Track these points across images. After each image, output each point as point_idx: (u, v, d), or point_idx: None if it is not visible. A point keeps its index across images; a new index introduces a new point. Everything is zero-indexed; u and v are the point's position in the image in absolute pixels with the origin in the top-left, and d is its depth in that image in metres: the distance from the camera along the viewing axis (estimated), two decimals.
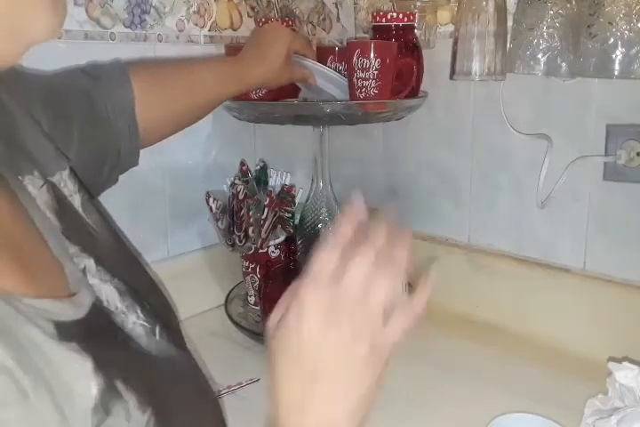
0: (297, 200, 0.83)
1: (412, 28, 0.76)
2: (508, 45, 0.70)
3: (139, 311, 0.38)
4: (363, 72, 0.68)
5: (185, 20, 0.79)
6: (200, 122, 0.85)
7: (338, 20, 0.98)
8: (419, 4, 0.80)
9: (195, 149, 0.85)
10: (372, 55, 0.68)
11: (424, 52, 0.77)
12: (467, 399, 0.65)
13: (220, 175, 0.84)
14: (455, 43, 0.73)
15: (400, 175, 0.94)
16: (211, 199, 0.77)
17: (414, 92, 0.76)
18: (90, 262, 0.38)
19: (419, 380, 0.69)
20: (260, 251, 0.81)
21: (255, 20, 0.85)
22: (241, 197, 0.77)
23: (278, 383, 0.38)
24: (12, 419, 0.25)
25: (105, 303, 0.37)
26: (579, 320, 0.74)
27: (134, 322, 0.38)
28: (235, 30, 0.86)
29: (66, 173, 0.43)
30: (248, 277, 0.85)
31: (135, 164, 0.61)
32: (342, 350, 0.35)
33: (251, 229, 0.78)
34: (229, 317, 0.81)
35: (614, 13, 0.60)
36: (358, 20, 0.95)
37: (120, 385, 0.31)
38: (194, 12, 0.80)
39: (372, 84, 0.69)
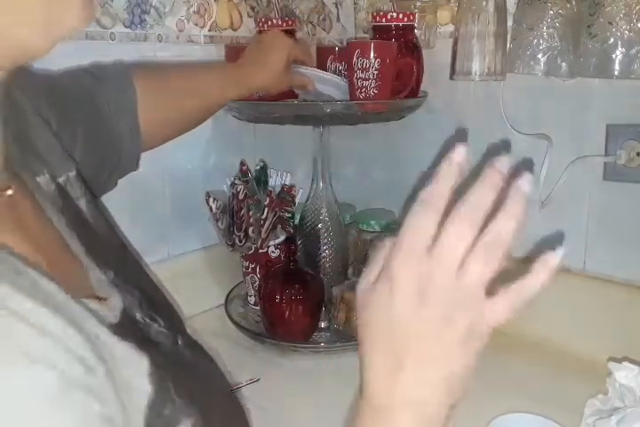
0: (297, 200, 0.83)
1: (412, 28, 0.76)
2: (508, 45, 0.70)
3: (158, 319, 0.38)
4: (363, 72, 0.68)
5: (185, 20, 0.79)
6: None
7: (338, 19, 0.98)
8: (419, 3, 0.80)
9: (195, 150, 0.85)
10: (371, 55, 0.68)
11: (424, 52, 0.77)
12: (466, 399, 0.64)
13: (220, 175, 0.84)
14: (455, 43, 0.73)
15: (400, 175, 0.94)
16: (211, 199, 0.77)
17: (414, 92, 0.76)
18: (106, 268, 0.37)
19: None
20: (260, 251, 0.81)
21: (255, 20, 0.85)
22: (241, 197, 0.77)
23: (368, 356, 0.34)
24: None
25: (128, 311, 0.36)
26: (579, 320, 0.74)
27: (157, 330, 0.37)
28: (235, 30, 0.86)
29: (73, 174, 0.43)
30: (248, 277, 0.85)
31: (135, 168, 0.61)
32: (435, 329, 0.32)
33: (251, 229, 0.78)
34: (229, 317, 0.81)
35: (614, 13, 0.60)
36: (358, 20, 0.95)
37: (171, 387, 0.31)
38: (194, 12, 0.80)
39: (372, 84, 0.69)
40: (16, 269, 0.26)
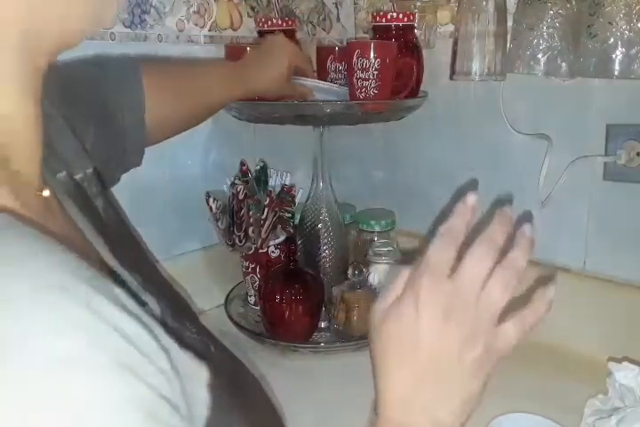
0: (297, 200, 0.83)
1: (412, 28, 0.76)
2: (508, 45, 0.70)
3: (188, 325, 0.35)
4: (363, 72, 0.68)
5: (185, 20, 0.79)
6: None
7: (338, 20, 0.98)
8: (419, 3, 0.80)
9: (195, 149, 0.85)
10: (371, 55, 0.68)
11: (424, 52, 0.77)
12: None
13: (220, 175, 0.84)
14: (455, 43, 0.73)
15: (400, 175, 0.94)
16: (211, 199, 0.77)
17: (414, 93, 0.76)
18: (131, 272, 0.35)
19: None
20: (260, 251, 0.81)
21: (255, 20, 0.85)
22: (241, 197, 0.77)
23: (388, 369, 0.36)
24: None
25: (164, 315, 0.34)
26: (579, 320, 0.74)
27: (190, 337, 0.34)
28: (235, 30, 0.86)
29: (90, 172, 0.42)
30: (248, 277, 0.85)
31: (138, 163, 0.61)
32: (457, 348, 0.35)
33: (251, 229, 0.78)
34: (229, 317, 0.81)
35: (614, 13, 0.60)
36: (358, 20, 0.95)
37: (224, 396, 0.30)
38: (194, 11, 0.80)
39: (372, 85, 0.69)
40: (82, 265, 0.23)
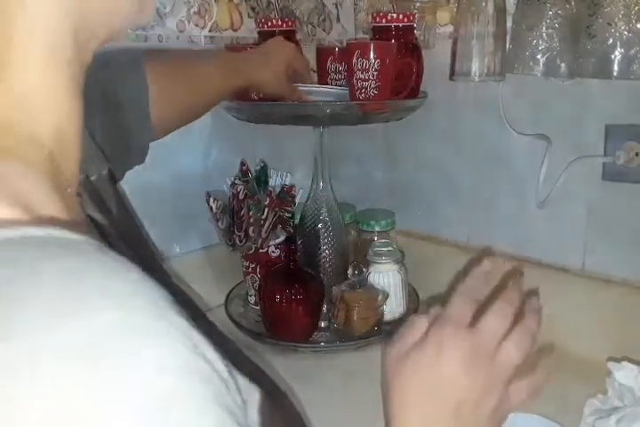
0: (297, 200, 0.83)
1: (412, 28, 0.76)
2: (508, 46, 0.70)
3: (213, 335, 0.33)
4: (362, 73, 0.69)
5: (185, 21, 0.80)
6: (200, 122, 0.85)
7: (338, 20, 0.98)
8: (418, 4, 0.80)
9: (195, 149, 0.86)
10: (371, 56, 0.68)
11: (424, 53, 0.77)
12: None
13: (220, 175, 0.84)
14: (454, 43, 0.73)
15: (400, 175, 0.94)
16: (211, 199, 0.78)
17: (414, 93, 0.76)
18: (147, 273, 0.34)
19: None
20: (260, 251, 0.81)
21: (255, 21, 0.85)
22: (241, 197, 0.78)
23: (407, 408, 0.37)
24: None
25: None
26: (578, 320, 0.74)
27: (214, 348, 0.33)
28: (235, 31, 0.86)
29: (105, 173, 0.41)
30: (248, 277, 0.85)
31: (142, 161, 0.61)
32: (477, 395, 0.36)
33: (251, 229, 0.78)
34: (229, 317, 0.81)
35: (613, 14, 0.61)
36: (358, 21, 0.95)
37: (270, 418, 0.28)
38: (194, 12, 0.80)
39: (372, 85, 0.69)
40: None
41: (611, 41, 0.61)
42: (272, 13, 0.91)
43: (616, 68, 0.62)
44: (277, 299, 0.76)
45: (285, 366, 0.74)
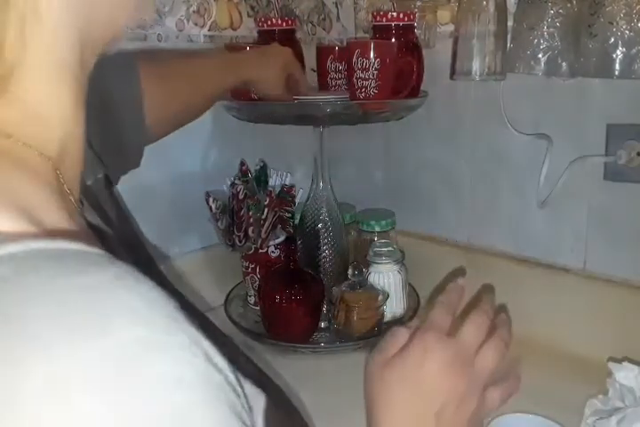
0: (297, 200, 0.83)
1: (412, 27, 0.76)
2: (509, 45, 0.70)
3: (213, 333, 0.33)
4: (363, 72, 0.68)
5: (185, 20, 0.79)
6: (200, 122, 0.85)
7: (338, 19, 0.98)
8: (419, 3, 0.80)
9: (195, 149, 0.85)
10: (371, 55, 0.68)
11: (424, 52, 0.77)
12: None
13: (220, 175, 0.84)
14: (455, 42, 0.73)
15: (400, 175, 0.94)
16: (211, 199, 0.77)
17: (414, 92, 0.76)
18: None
19: None
20: (260, 251, 0.81)
21: (255, 20, 0.85)
22: (241, 197, 0.77)
23: (391, 411, 0.38)
24: None
25: None
26: (579, 320, 0.74)
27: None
28: (234, 30, 0.86)
29: (100, 177, 0.42)
30: (248, 277, 0.85)
31: (137, 165, 0.61)
32: (458, 399, 0.38)
33: (251, 229, 0.78)
34: (229, 317, 0.81)
35: (615, 13, 0.60)
36: (358, 20, 0.95)
37: (274, 422, 0.28)
38: (193, 11, 0.80)
39: (372, 84, 0.69)
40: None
41: (612, 40, 0.61)
42: (272, 12, 0.90)
43: (617, 67, 0.61)
44: (277, 299, 0.76)
45: (285, 367, 0.73)
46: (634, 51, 0.60)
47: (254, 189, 0.81)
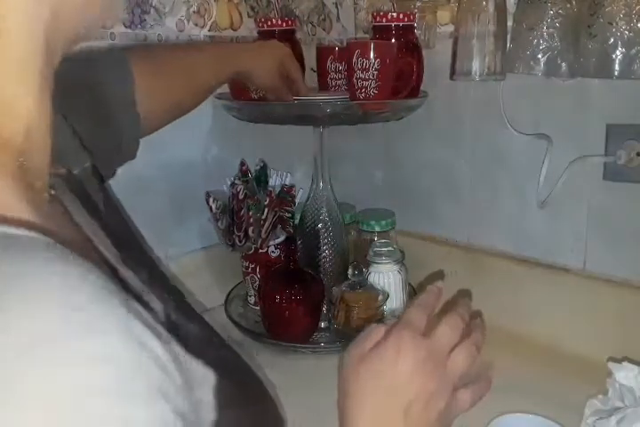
0: (297, 200, 0.83)
1: (412, 27, 0.76)
2: (508, 45, 0.70)
3: (192, 320, 0.35)
4: (363, 72, 0.68)
5: (185, 20, 0.79)
6: (200, 121, 0.85)
7: (338, 19, 0.98)
8: (419, 4, 0.80)
9: (195, 149, 0.85)
10: (371, 55, 0.68)
11: (424, 52, 0.77)
12: None
13: (220, 175, 0.84)
14: (455, 43, 0.73)
15: (400, 175, 0.94)
16: (211, 199, 0.77)
17: (414, 93, 0.76)
18: (137, 268, 0.34)
19: None
20: (260, 251, 0.81)
21: (255, 20, 0.85)
22: (241, 197, 0.77)
23: (364, 404, 0.39)
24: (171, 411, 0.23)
25: (169, 313, 0.34)
26: (579, 320, 0.74)
27: (194, 331, 0.34)
28: (235, 30, 0.86)
29: (88, 166, 0.42)
30: (248, 277, 0.85)
31: (133, 156, 0.60)
32: (428, 396, 0.39)
33: (251, 229, 0.78)
34: (229, 317, 0.81)
35: (614, 13, 0.60)
36: (358, 20, 0.95)
37: (228, 397, 0.30)
38: (194, 12, 0.80)
39: (372, 85, 0.69)
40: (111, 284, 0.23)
41: (612, 40, 0.61)
42: (272, 13, 0.91)
43: (617, 67, 0.61)
44: (277, 299, 0.76)
45: (285, 367, 0.74)
46: (633, 51, 0.60)
47: (254, 189, 0.81)
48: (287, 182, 0.84)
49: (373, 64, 0.68)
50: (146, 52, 0.64)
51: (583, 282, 0.74)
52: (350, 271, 0.76)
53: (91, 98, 0.53)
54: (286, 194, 0.81)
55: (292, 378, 0.71)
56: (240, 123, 0.80)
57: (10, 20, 0.26)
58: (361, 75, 0.69)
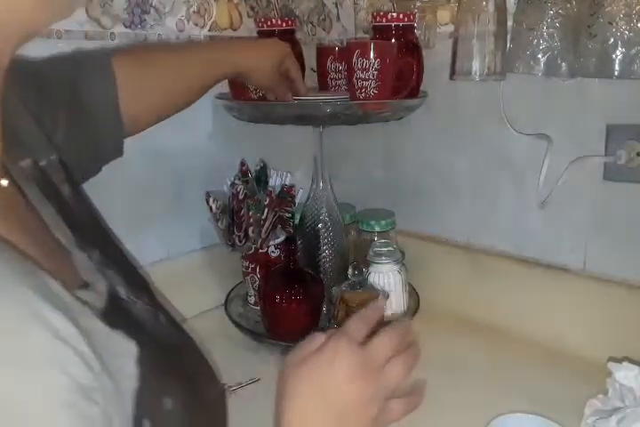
0: (297, 200, 0.83)
1: (412, 27, 0.76)
2: (508, 45, 0.70)
3: (143, 297, 0.40)
4: (363, 72, 0.68)
5: (185, 20, 0.79)
6: (200, 121, 0.85)
7: (338, 19, 0.98)
8: (419, 3, 0.80)
9: (195, 149, 0.85)
10: (371, 55, 0.68)
11: (424, 52, 0.77)
12: (466, 399, 0.65)
13: (219, 175, 0.84)
14: (455, 43, 0.73)
15: (400, 175, 0.94)
16: (211, 199, 0.77)
17: (414, 93, 0.76)
18: (92, 251, 0.39)
19: (417, 379, 0.70)
20: (260, 251, 0.81)
21: (255, 20, 0.85)
22: (241, 197, 0.77)
23: (295, 405, 0.40)
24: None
25: (115, 291, 0.38)
26: (579, 320, 0.74)
27: (142, 307, 0.39)
28: (234, 30, 0.86)
29: (54, 158, 0.44)
30: (248, 277, 0.85)
31: (119, 154, 0.61)
32: (361, 402, 0.40)
33: (251, 229, 0.78)
34: (229, 317, 0.81)
35: (614, 13, 0.60)
36: (358, 20, 0.95)
37: (154, 367, 0.33)
38: (194, 11, 0.80)
39: (372, 85, 0.69)
40: (21, 264, 0.26)
41: (612, 40, 0.61)
42: (271, 13, 0.91)
43: (617, 67, 0.61)
44: (277, 299, 0.76)
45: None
46: (633, 51, 0.60)
47: (254, 189, 0.81)
48: (287, 182, 0.84)
49: (373, 64, 0.68)
50: (134, 52, 0.64)
51: (583, 282, 0.74)
52: (350, 271, 0.76)
53: (70, 97, 0.54)
54: (286, 194, 0.81)
55: None
56: (240, 123, 0.80)
57: None
58: (361, 75, 0.69)
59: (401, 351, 0.44)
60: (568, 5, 0.65)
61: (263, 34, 0.79)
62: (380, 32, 0.75)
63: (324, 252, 0.82)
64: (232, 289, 0.89)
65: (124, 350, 0.32)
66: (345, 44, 0.92)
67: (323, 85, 0.80)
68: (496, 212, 0.83)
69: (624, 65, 0.61)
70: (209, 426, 0.41)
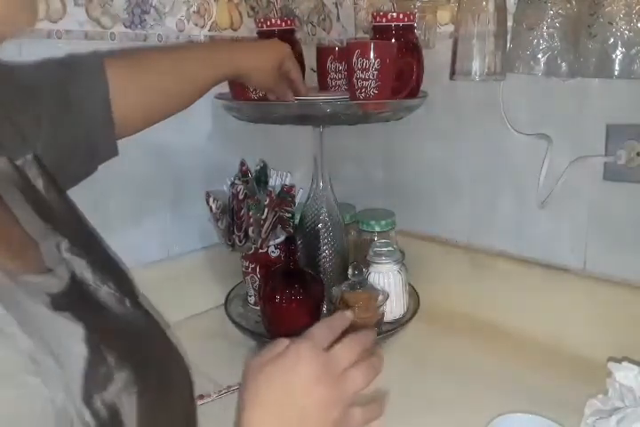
0: (297, 200, 0.83)
1: (412, 28, 0.76)
2: (508, 45, 0.70)
3: (109, 283, 0.41)
4: (362, 72, 0.68)
5: (185, 20, 0.79)
6: (200, 121, 0.85)
7: (338, 19, 0.98)
8: (419, 3, 0.80)
9: (195, 149, 0.85)
10: (371, 55, 0.68)
11: (424, 52, 0.77)
12: (466, 399, 0.65)
13: (219, 175, 0.84)
14: (455, 43, 0.73)
15: (400, 175, 0.94)
16: (211, 199, 0.77)
17: (414, 93, 0.76)
18: (62, 239, 0.40)
19: (417, 379, 0.69)
20: (260, 251, 0.81)
21: (255, 20, 0.85)
22: (241, 197, 0.77)
23: (254, 406, 0.41)
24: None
25: (80, 276, 0.40)
26: (579, 320, 0.74)
27: (107, 292, 0.40)
28: (235, 30, 0.86)
29: (30, 157, 0.45)
30: (248, 277, 0.85)
31: (114, 154, 0.60)
32: (322, 405, 0.41)
33: (251, 229, 0.78)
34: (229, 317, 0.81)
35: (614, 13, 0.60)
36: (358, 20, 0.95)
37: (103, 347, 0.34)
38: (194, 11, 0.80)
39: (372, 85, 0.69)
40: None
41: (612, 40, 0.61)
42: (272, 13, 0.91)
43: (617, 67, 0.61)
44: (277, 299, 0.76)
45: None
46: (633, 51, 0.60)
47: (254, 189, 0.81)
48: (287, 182, 0.84)
49: (373, 64, 0.68)
50: (129, 55, 0.64)
51: (583, 282, 0.74)
52: (350, 271, 0.76)
53: (62, 96, 0.54)
54: (286, 194, 0.81)
55: None
56: (240, 123, 0.80)
57: None
58: (361, 75, 0.69)
59: (364, 359, 0.44)
60: (568, 5, 0.65)
61: (263, 34, 0.79)
62: (380, 32, 0.75)
63: (323, 252, 0.82)
64: (232, 289, 0.89)
65: (69, 332, 0.33)
66: (345, 44, 0.91)
67: (323, 85, 0.80)
68: (496, 212, 0.83)
69: (624, 65, 0.61)
70: (172, 409, 0.41)
